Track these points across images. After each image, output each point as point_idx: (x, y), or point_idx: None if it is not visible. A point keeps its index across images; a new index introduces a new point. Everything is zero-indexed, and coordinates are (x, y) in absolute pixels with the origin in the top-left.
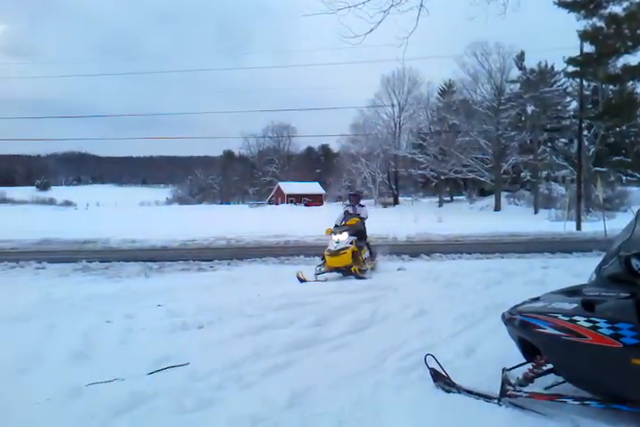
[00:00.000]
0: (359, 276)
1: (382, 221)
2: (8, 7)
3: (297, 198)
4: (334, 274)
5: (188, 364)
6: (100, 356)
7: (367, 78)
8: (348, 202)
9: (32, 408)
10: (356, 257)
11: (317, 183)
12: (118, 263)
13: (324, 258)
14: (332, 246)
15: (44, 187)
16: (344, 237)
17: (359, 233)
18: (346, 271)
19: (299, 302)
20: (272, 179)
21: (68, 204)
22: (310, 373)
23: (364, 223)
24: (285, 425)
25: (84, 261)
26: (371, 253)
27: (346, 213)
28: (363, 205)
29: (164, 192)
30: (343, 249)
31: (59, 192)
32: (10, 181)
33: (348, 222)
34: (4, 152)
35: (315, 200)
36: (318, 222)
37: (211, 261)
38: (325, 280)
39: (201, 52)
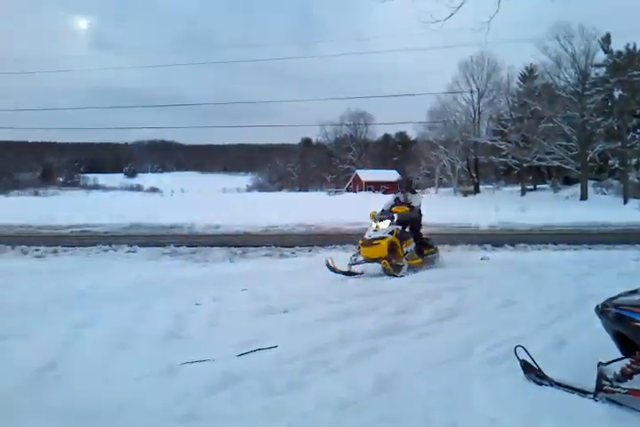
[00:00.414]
0: (389, 272)
1: (463, 210)
2: (93, 2)
3: (375, 186)
4: (374, 266)
5: (277, 347)
6: (191, 336)
7: (445, 64)
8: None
9: (133, 383)
10: (395, 249)
11: (395, 171)
12: (204, 248)
13: (360, 246)
14: (368, 234)
15: (131, 174)
16: (384, 224)
17: (411, 222)
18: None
19: (380, 289)
20: (349, 166)
21: (153, 190)
22: (396, 360)
23: (419, 212)
24: (372, 410)
25: (171, 245)
26: (425, 245)
27: (397, 199)
28: (415, 192)
29: (244, 179)
30: (378, 239)
31: (145, 179)
32: (100, 169)
33: (394, 209)
34: (94, 140)
35: (393, 188)
36: None
37: (292, 247)
38: (362, 273)
39: (279, 40)
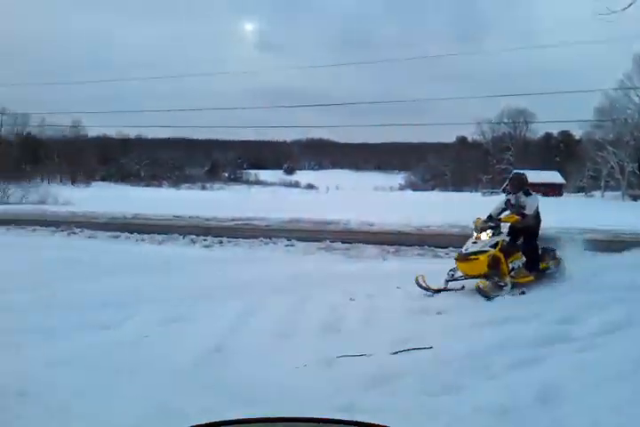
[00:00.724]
0: (483, 292)
1: (633, 216)
2: (256, 7)
3: (534, 188)
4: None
5: (432, 348)
6: (346, 331)
7: (615, 58)
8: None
9: (292, 371)
10: (497, 265)
11: (556, 172)
12: (358, 245)
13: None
14: (465, 247)
15: (289, 171)
16: (485, 235)
17: (524, 231)
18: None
19: (539, 297)
20: (507, 166)
21: (310, 187)
22: (560, 371)
23: (536, 217)
24: (534, 420)
25: (327, 240)
26: (543, 258)
27: (507, 202)
28: (530, 193)
29: (396, 178)
30: (477, 253)
31: (302, 176)
32: (261, 165)
33: (504, 218)
34: (257, 138)
35: (553, 190)
36: (558, 214)
37: (445, 248)
38: (462, 288)
39: (435, 38)
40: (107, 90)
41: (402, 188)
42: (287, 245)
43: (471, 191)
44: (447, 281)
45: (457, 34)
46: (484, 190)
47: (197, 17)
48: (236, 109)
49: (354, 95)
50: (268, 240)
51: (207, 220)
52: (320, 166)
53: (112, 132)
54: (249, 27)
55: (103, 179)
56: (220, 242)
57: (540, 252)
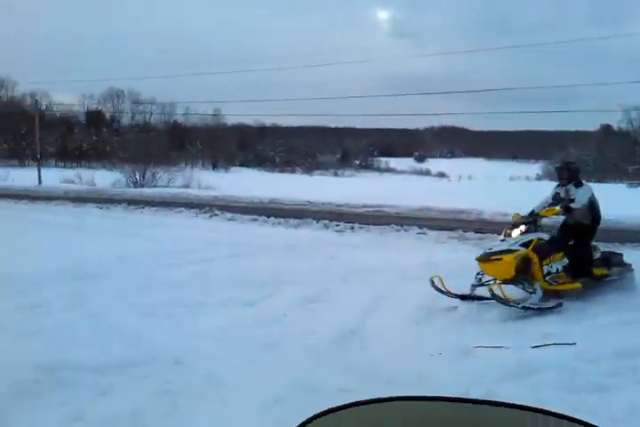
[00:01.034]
0: (501, 300)
1: None
2: None
3: None
4: (511, 289)
5: (575, 344)
6: (483, 321)
7: None
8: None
9: (427, 359)
10: (528, 268)
11: None
12: (492, 235)
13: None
14: (490, 246)
15: (420, 159)
16: (516, 232)
17: (576, 229)
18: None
19: None
20: None
21: (441, 175)
22: None
23: (590, 212)
24: None
25: (459, 230)
26: (599, 263)
27: (556, 195)
28: (581, 184)
29: (533, 167)
30: (503, 253)
31: (433, 164)
32: (392, 153)
33: (542, 212)
34: (388, 126)
35: None
36: None
37: None
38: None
39: (579, 21)
40: (246, 80)
41: (539, 178)
42: (418, 233)
43: (615, 183)
44: (474, 286)
45: (603, 15)
46: (630, 182)
47: (330, 7)
48: (370, 97)
49: (489, 82)
50: (399, 227)
51: (339, 206)
52: (452, 155)
53: (250, 120)
54: (383, 15)
55: (241, 164)
56: (352, 228)
57: (597, 255)
